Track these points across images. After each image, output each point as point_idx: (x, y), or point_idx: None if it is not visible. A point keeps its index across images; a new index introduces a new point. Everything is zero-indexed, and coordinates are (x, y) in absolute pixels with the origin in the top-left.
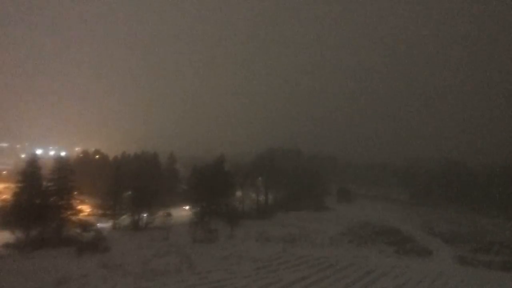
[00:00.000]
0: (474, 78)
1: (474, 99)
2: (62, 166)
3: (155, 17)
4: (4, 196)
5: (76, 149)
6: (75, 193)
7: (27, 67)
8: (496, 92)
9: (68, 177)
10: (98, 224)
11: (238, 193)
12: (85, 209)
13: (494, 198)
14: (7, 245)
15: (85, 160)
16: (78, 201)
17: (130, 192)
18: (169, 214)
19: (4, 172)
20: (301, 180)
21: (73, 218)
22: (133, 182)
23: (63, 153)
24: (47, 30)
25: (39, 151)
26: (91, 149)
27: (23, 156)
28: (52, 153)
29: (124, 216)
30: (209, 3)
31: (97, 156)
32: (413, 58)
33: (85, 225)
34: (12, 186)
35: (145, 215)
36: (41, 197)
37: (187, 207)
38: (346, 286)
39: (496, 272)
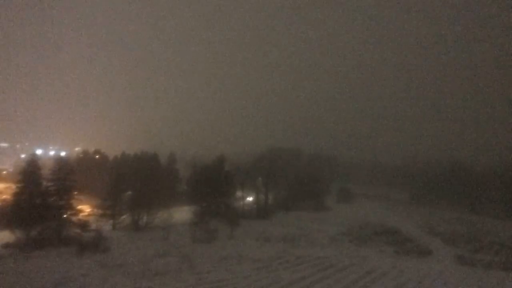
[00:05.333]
0: (475, 78)
1: (474, 99)
2: (62, 166)
3: (155, 17)
4: (4, 196)
5: (76, 149)
6: (75, 193)
7: (27, 67)
8: (497, 92)
9: (68, 177)
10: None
11: (238, 193)
12: (85, 209)
13: (494, 198)
14: (7, 245)
15: (85, 160)
16: (78, 201)
17: (130, 192)
18: (169, 214)
19: (4, 172)
20: (301, 180)
21: (73, 218)
22: (133, 182)
23: (63, 153)
24: (46, 30)
25: (39, 151)
26: (91, 149)
27: (23, 156)
28: (52, 153)
29: (124, 216)
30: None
31: (97, 156)
32: (413, 58)
33: (85, 225)
34: (12, 186)
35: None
36: (41, 197)
37: (187, 207)
38: (346, 286)
39: (496, 272)
